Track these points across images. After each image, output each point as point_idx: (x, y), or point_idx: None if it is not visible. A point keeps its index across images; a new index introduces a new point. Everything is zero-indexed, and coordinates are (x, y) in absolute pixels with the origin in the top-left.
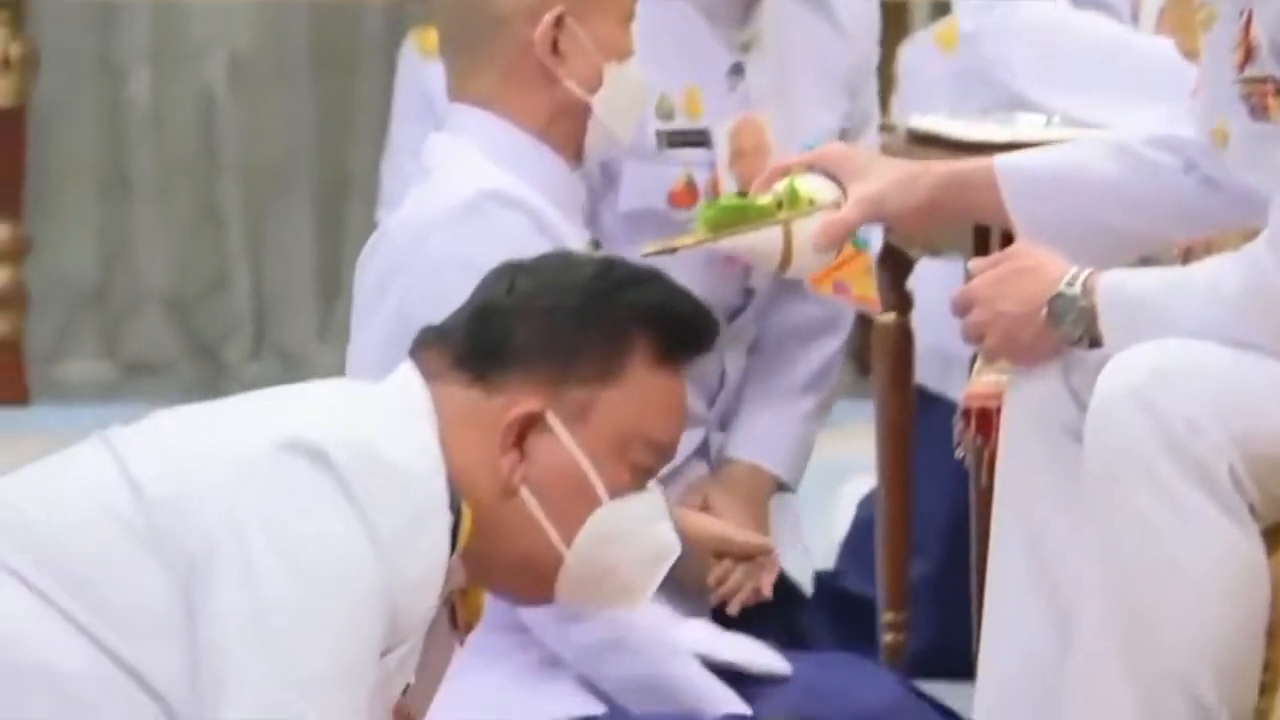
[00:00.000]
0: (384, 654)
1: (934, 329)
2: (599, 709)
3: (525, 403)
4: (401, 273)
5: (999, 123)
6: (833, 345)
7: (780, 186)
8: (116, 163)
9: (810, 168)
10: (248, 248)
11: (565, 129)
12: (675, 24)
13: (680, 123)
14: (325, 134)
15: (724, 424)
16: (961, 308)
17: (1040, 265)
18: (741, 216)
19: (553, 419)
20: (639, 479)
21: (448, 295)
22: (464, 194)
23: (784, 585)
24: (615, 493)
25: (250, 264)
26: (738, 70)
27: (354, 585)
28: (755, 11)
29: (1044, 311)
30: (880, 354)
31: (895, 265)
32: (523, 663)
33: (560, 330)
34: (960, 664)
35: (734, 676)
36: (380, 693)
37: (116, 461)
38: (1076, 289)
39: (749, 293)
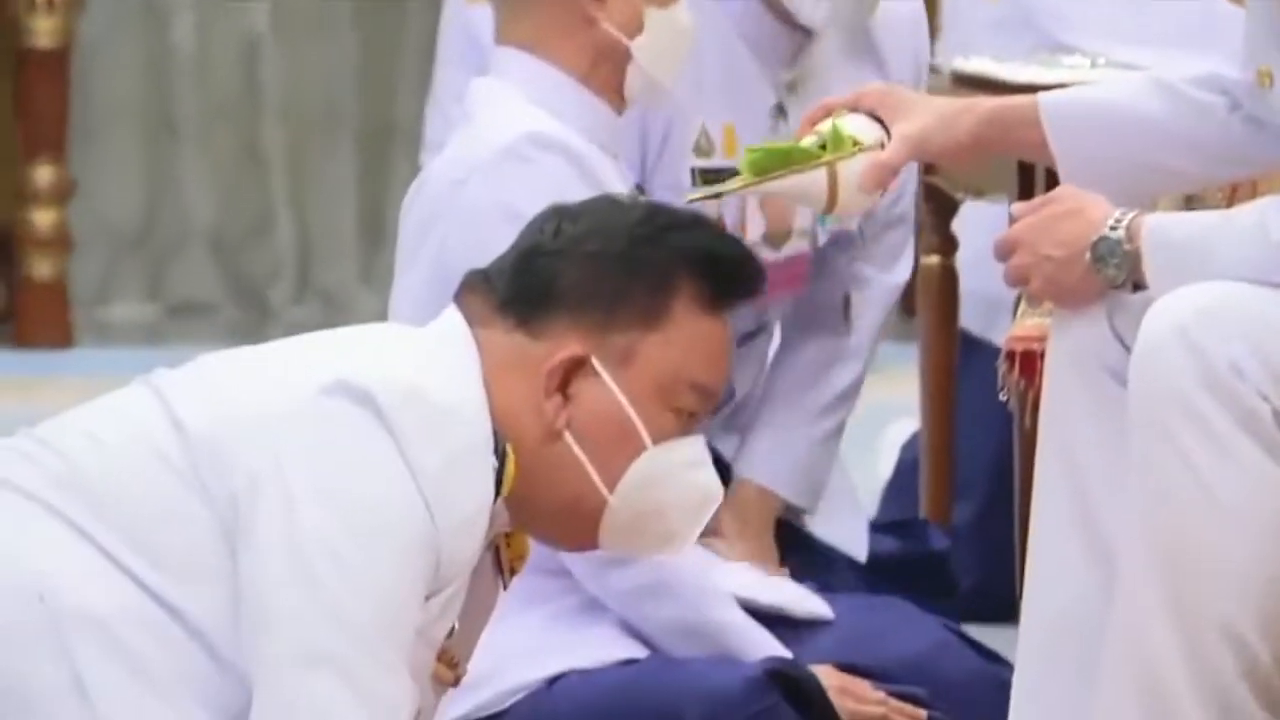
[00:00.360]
0: (428, 597)
1: (978, 273)
2: (641, 653)
3: (569, 347)
4: (442, 217)
5: (1043, 64)
6: (854, 370)
7: (824, 128)
8: (160, 105)
9: (853, 108)
10: (291, 191)
11: (606, 74)
12: (722, 59)
13: (716, 160)
14: (369, 78)
15: (729, 427)
16: (1004, 251)
17: (1083, 208)
18: (785, 160)
19: (597, 363)
20: (683, 424)
21: (486, 240)
22: (504, 138)
23: (812, 547)
24: (659, 438)
25: (294, 207)
26: (780, 111)
27: (398, 527)
28: (804, 53)
29: (1087, 255)
30: (925, 296)
31: (940, 207)
32: (565, 606)
33: (605, 274)
34: (1004, 607)
35: (776, 621)
36: (424, 636)
37: (161, 403)
38: (1120, 232)
39: (761, 320)
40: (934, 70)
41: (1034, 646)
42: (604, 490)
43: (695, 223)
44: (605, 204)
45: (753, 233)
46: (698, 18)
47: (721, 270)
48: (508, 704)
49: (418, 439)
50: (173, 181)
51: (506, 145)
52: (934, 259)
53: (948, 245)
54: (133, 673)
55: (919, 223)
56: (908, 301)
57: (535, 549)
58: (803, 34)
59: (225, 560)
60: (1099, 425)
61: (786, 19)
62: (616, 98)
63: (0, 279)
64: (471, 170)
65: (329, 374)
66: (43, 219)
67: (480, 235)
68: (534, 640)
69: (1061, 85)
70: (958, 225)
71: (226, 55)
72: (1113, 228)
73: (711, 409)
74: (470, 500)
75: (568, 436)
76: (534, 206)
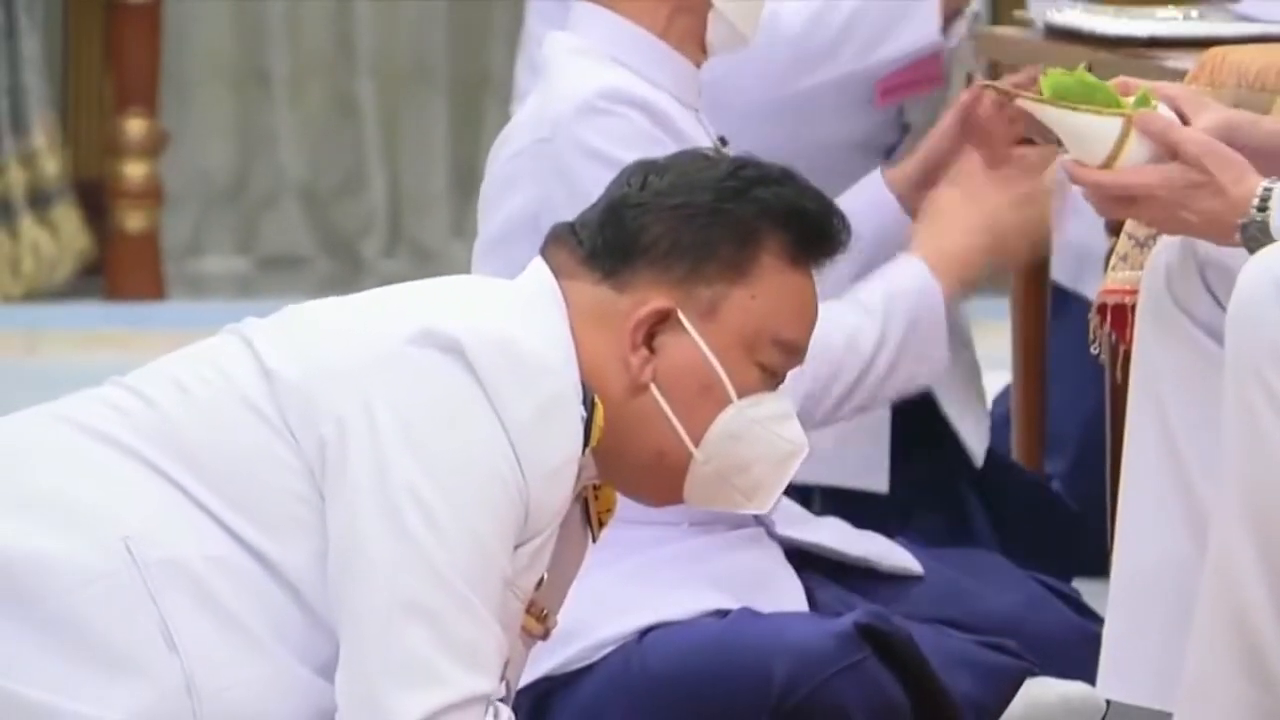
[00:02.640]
0: (517, 547)
1: (1070, 223)
2: (730, 603)
3: (655, 300)
4: (532, 177)
5: (1133, 17)
6: None
7: (1132, 99)
8: (252, 58)
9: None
10: (383, 144)
11: (686, 26)
12: None
13: None
14: (461, 30)
15: None
16: (1131, 195)
17: (1224, 187)
18: (1088, 94)
19: (683, 317)
20: (768, 379)
21: (578, 188)
22: (580, 94)
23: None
24: (744, 392)
25: (386, 161)
26: None
27: (487, 477)
28: None
29: (1238, 235)
30: None
31: None
32: (653, 559)
33: (691, 228)
34: (1094, 560)
35: (863, 574)
36: (513, 587)
37: (250, 353)
38: (1268, 214)
39: (905, 128)
40: (1025, 23)
41: (1125, 601)
42: (689, 444)
43: (782, 178)
44: (692, 158)
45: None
46: None
47: (807, 226)
48: (597, 657)
49: (507, 389)
50: (265, 134)
51: (583, 100)
52: None
53: None
54: (224, 623)
55: None
56: None
57: (625, 500)
58: None
59: (315, 511)
60: (1190, 380)
61: None
62: (695, 49)
63: (92, 232)
64: (555, 126)
65: (417, 323)
66: (134, 171)
67: (575, 186)
68: (622, 593)
69: (1154, 38)
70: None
71: (318, 8)
72: (1259, 208)
73: (795, 364)
74: (559, 451)
75: (653, 389)
76: (618, 151)
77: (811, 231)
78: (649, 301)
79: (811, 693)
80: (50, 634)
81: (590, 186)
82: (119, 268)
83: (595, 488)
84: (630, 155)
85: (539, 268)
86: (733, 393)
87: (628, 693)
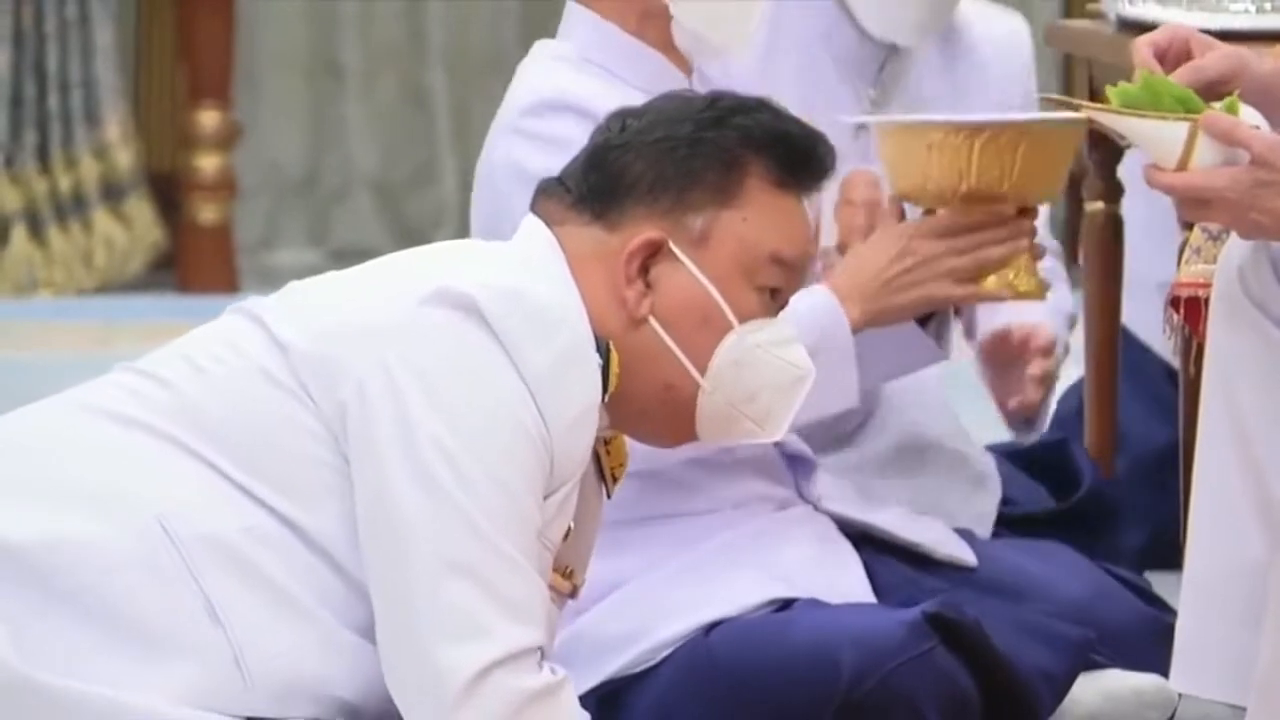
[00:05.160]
0: (546, 497)
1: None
2: (786, 592)
3: (646, 232)
4: (482, 182)
5: (1207, 10)
6: None
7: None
8: (325, 51)
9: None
10: (455, 137)
11: (656, 31)
12: (801, 72)
13: None
14: (532, 23)
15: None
16: (1203, 199)
17: None
18: (1154, 100)
19: (674, 246)
20: (767, 305)
21: (498, 199)
22: (522, 101)
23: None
24: (745, 317)
25: (457, 153)
26: (863, 125)
27: (512, 430)
28: (890, 70)
29: None
30: (1089, 242)
31: (1104, 154)
32: (702, 554)
33: (674, 159)
34: (1168, 554)
35: (921, 561)
36: (542, 538)
37: (260, 328)
38: None
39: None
40: (1097, 14)
41: (1198, 595)
42: (695, 374)
43: (760, 106)
44: (668, 99)
45: (825, 239)
46: (776, 29)
47: (790, 149)
48: (661, 657)
49: (524, 341)
50: (337, 127)
51: (523, 107)
52: (1098, 205)
53: (1112, 191)
54: (266, 593)
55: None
56: (1072, 247)
57: (674, 495)
58: (889, 48)
59: (340, 475)
60: (1263, 372)
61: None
62: (676, 53)
63: (165, 224)
64: (496, 132)
65: (429, 284)
66: (207, 164)
67: (494, 193)
68: (678, 592)
69: (1228, 32)
70: (1122, 171)
71: (390, 0)
72: None
73: (795, 284)
74: (579, 399)
75: (653, 323)
76: (541, 165)
77: (795, 155)
78: (639, 235)
79: (879, 683)
80: (91, 623)
81: (506, 199)
82: (191, 261)
83: (606, 442)
84: (557, 160)
85: (532, 221)
86: (733, 318)
87: (696, 689)
